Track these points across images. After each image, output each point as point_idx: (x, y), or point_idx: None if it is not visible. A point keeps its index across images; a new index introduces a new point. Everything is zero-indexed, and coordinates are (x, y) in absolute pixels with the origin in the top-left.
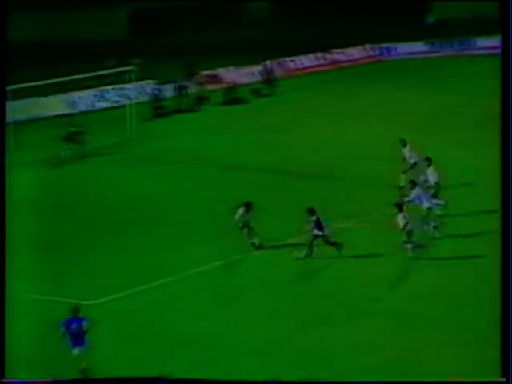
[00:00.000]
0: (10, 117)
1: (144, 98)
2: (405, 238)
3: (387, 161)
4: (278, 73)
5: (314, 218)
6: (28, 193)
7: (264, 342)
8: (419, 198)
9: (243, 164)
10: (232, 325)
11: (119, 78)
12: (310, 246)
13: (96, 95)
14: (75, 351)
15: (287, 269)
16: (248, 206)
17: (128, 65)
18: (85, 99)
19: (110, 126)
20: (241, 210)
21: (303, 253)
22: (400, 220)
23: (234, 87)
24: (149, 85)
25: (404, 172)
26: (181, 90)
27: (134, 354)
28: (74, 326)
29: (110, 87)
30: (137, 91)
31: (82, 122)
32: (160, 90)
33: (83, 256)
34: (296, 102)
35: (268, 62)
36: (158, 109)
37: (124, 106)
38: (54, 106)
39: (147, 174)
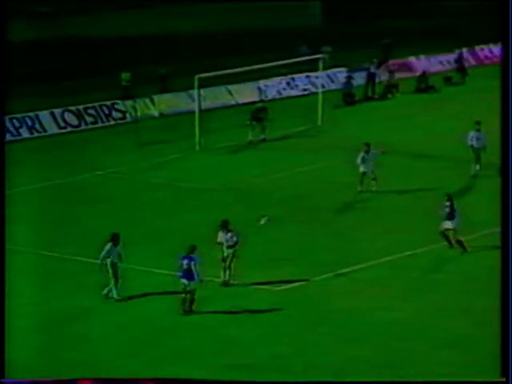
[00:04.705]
0: (199, 104)
1: (334, 86)
2: None
3: None
4: (470, 61)
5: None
6: (211, 177)
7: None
8: None
9: (432, 153)
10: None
11: (310, 66)
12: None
13: (285, 83)
14: (182, 281)
15: None
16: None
17: (320, 52)
18: (273, 87)
19: (298, 113)
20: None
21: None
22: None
23: (425, 75)
24: (339, 72)
25: None
26: (371, 78)
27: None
28: (185, 262)
29: (299, 75)
30: (327, 79)
31: (270, 110)
32: (351, 78)
33: (268, 243)
34: (486, 91)
35: (460, 50)
36: (347, 97)
37: (313, 94)
38: (243, 93)
39: (335, 161)
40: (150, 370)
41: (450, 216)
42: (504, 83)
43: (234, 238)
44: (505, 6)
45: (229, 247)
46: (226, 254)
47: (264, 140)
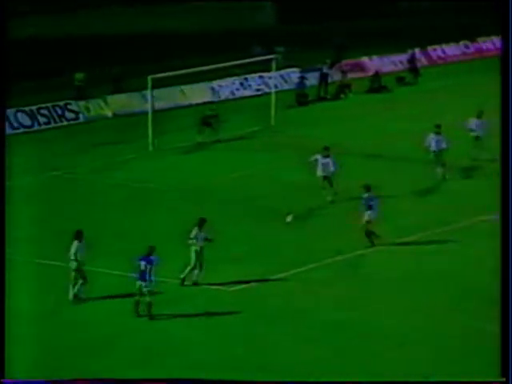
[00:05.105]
0: (152, 105)
1: (287, 86)
2: None
3: None
4: (422, 61)
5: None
6: (166, 177)
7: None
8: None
9: (385, 153)
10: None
11: (264, 66)
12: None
13: (238, 83)
14: (137, 284)
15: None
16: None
17: (273, 53)
18: (227, 87)
19: (251, 113)
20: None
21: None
22: None
23: (378, 75)
24: (293, 73)
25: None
26: (324, 78)
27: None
28: (143, 263)
29: (253, 75)
30: (280, 79)
31: (223, 110)
32: (304, 78)
33: (223, 243)
34: (438, 91)
35: (413, 51)
36: (300, 97)
37: (266, 94)
38: (197, 94)
39: (288, 161)
40: (106, 371)
41: (368, 207)
42: (504, 81)
43: (207, 237)
44: (504, 4)
45: (201, 247)
46: (199, 252)
47: (218, 141)
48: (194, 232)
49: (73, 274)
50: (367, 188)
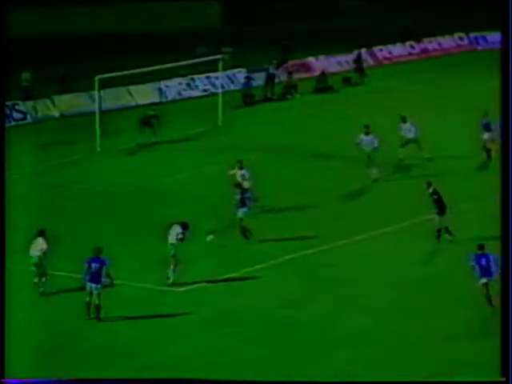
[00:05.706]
0: (99, 105)
1: (234, 87)
2: None
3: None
4: (368, 62)
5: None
6: (112, 179)
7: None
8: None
9: (331, 153)
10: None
11: (211, 67)
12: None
13: (185, 84)
14: (88, 286)
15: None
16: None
17: (220, 53)
18: (173, 88)
19: (198, 114)
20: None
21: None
22: None
23: (324, 76)
24: (239, 73)
25: (402, 146)
26: (270, 78)
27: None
28: (94, 265)
29: (199, 76)
30: (227, 79)
31: (170, 111)
32: (250, 79)
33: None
34: (383, 91)
35: (359, 51)
36: (247, 97)
37: (213, 95)
38: (144, 94)
39: (234, 161)
40: (60, 372)
41: (242, 204)
42: (504, 77)
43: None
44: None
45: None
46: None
47: (155, 143)
48: (175, 231)
49: (40, 270)
50: (239, 186)
